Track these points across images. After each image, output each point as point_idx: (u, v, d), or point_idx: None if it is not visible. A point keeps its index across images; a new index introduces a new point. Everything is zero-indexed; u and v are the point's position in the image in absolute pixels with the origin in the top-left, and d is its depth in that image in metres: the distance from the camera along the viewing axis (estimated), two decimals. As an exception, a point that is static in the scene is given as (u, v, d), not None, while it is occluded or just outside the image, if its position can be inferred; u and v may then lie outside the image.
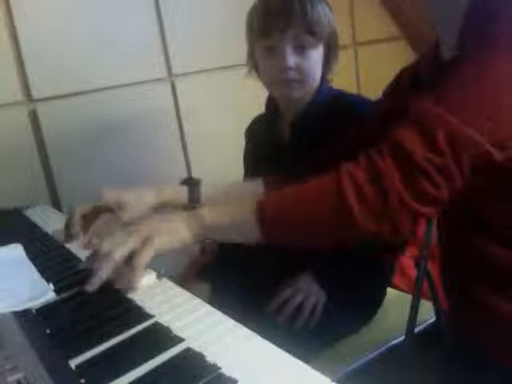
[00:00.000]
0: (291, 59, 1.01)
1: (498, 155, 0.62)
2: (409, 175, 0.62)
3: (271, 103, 1.18)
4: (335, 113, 1.05)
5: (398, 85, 0.93)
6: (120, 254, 0.70)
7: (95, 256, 0.72)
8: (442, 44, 0.78)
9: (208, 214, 0.75)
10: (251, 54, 1.11)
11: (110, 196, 0.92)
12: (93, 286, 0.69)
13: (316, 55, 1.04)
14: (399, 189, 0.63)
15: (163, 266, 0.77)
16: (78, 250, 0.88)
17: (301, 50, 1.02)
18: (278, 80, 1.05)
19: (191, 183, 0.99)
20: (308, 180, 0.71)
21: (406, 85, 0.88)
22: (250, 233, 0.73)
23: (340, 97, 1.10)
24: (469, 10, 0.70)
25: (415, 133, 0.63)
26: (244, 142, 1.29)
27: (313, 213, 0.69)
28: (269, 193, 0.74)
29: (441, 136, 0.61)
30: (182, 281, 1.41)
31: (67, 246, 0.91)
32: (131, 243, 0.71)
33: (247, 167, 1.28)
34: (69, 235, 0.90)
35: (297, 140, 1.11)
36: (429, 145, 0.62)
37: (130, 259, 0.70)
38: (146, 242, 0.71)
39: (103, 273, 0.69)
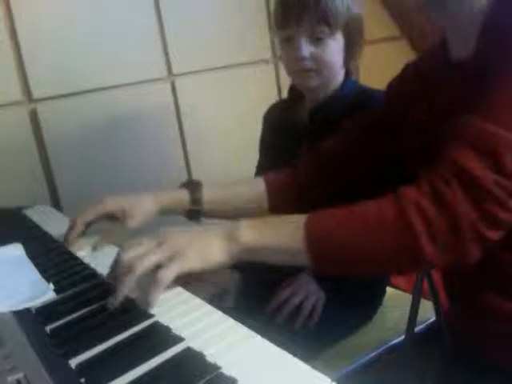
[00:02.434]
0: (306, 49, 1.02)
1: None
2: (481, 203, 0.60)
3: (294, 91, 1.18)
4: (357, 107, 1.05)
5: (403, 79, 0.93)
6: (145, 264, 0.64)
7: (117, 267, 0.67)
8: (450, 44, 0.78)
9: (248, 236, 0.69)
10: (278, 45, 1.14)
11: (111, 203, 0.91)
12: (116, 299, 0.64)
13: (333, 45, 1.04)
14: (473, 220, 0.60)
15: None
16: (78, 250, 0.88)
17: (317, 40, 1.03)
18: (295, 70, 1.08)
19: (191, 186, 0.98)
20: (359, 201, 0.67)
21: (412, 78, 0.88)
22: (296, 258, 0.69)
23: (364, 92, 1.11)
24: (489, 17, 0.69)
25: (480, 157, 0.61)
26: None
27: (376, 247, 0.65)
28: (317, 216, 0.69)
29: (508, 158, 0.60)
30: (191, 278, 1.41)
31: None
32: (158, 255, 0.65)
33: (264, 153, 1.28)
34: (70, 244, 0.89)
35: (315, 128, 1.11)
36: (496, 168, 0.60)
37: (153, 273, 0.64)
38: (175, 257, 0.65)
39: (126, 285, 0.64)
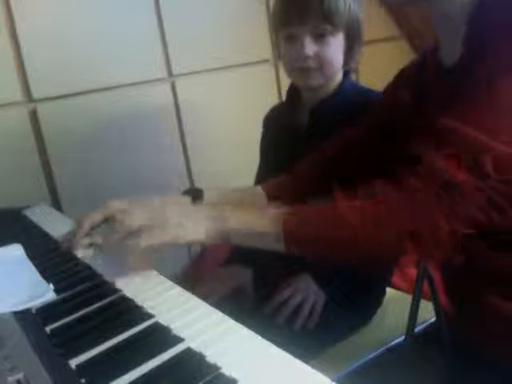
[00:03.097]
0: (310, 48, 1.02)
1: None
2: (458, 205, 0.62)
3: (292, 91, 1.18)
4: (356, 107, 1.05)
5: (398, 83, 0.93)
6: (127, 227, 0.70)
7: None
8: (442, 49, 0.78)
9: (233, 219, 0.73)
10: (277, 44, 1.13)
11: (114, 205, 0.91)
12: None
13: (335, 43, 1.04)
14: (452, 222, 0.62)
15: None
16: (79, 251, 0.88)
17: (319, 38, 1.03)
18: (297, 68, 1.07)
19: (193, 193, 0.98)
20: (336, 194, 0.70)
21: (407, 84, 0.88)
22: (273, 245, 0.72)
23: (363, 93, 1.11)
24: (473, 20, 0.69)
25: (460, 161, 0.63)
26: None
27: (352, 242, 0.67)
28: (296, 209, 0.73)
29: (487, 162, 0.61)
30: (191, 279, 1.41)
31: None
32: (142, 222, 0.70)
33: (264, 156, 1.28)
34: (75, 245, 0.89)
35: (314, 126, 1.11)
36: (476, 172, 0.62)
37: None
38: (156, 227, 0.69)
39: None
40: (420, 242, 0.64)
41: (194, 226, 0.73)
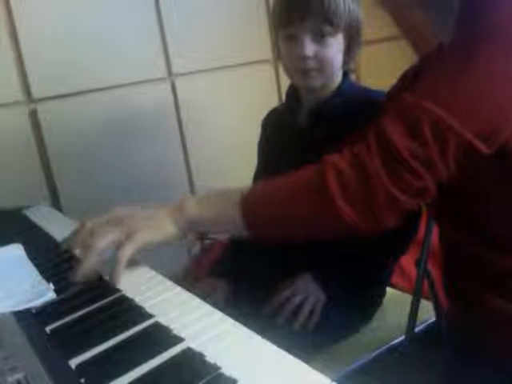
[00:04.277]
0: (310, 48, 1.02)
1: (484, 149, 0.62)
2: (391, 165, 0.63)
3: (292, 91, 1.18)
4: (357, 107, 1.05)
5: (401, 85, 0.93)
6: (101, 245, 0.73)
7: (75, 237, 0.78)
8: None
9: (192, 207, 0.77)
10: (277, 43, 1.13)
11: (120, 212, 0.91)
12: (76, 275, 0.72)
13: (335, 44, 1.04)
14: (385, 183, 0.63)
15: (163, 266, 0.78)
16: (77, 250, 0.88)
17: (319, 38, 1.03)
18: (297, 69, 1.06)
19: None
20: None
21: (410, 85, 0.88)
22: (235, 226, 0.75)
23: (363, 93, 1.11)
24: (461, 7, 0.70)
25: (400, 123, 0.64)
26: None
27: (299, 209, 0.70)
28: (254, 185, 0.76)
29: (426, 127, 0.62)
30: (191, 279, 1.40)
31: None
32: (114, 236, 0.74)
33: (264, 157, 1.27)
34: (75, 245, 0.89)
35: (314, 127, 1.11)
36: (413, 136, 0.62)
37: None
38: (129, 236, 0.73)
39: (85, 264, 0.72)
40: (355, 207, 0.64)
41: (159, 226, 0.76)
